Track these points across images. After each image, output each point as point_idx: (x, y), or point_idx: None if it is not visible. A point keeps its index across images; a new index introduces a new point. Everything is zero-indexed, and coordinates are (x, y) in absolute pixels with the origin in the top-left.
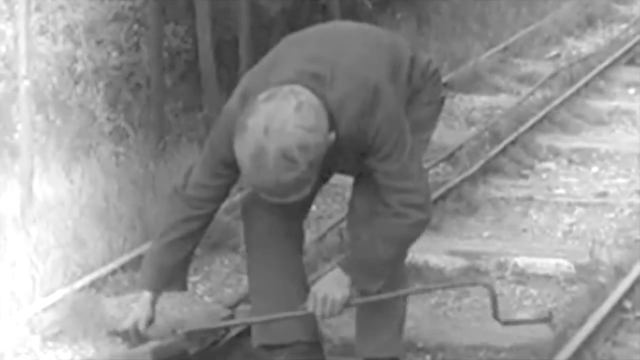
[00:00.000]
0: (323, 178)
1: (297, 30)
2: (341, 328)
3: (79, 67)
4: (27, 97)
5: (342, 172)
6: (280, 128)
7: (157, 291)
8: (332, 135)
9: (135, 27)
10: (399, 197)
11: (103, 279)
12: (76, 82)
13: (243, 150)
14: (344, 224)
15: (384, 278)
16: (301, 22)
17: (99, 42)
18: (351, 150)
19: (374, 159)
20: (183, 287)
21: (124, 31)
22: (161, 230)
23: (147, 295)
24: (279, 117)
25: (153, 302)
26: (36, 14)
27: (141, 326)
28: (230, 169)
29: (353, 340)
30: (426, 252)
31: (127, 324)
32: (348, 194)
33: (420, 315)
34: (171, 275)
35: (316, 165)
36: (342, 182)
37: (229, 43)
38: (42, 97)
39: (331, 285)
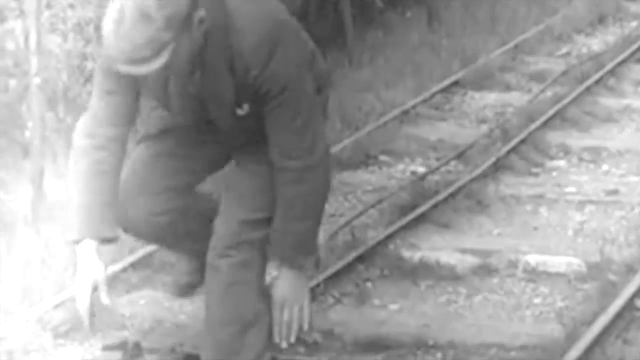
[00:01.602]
0: (214, 160)
1: (307, 27)
2: (353, 326)
3: (90, 65)
4: (38, 95)
5: (229, 141)
6: None
7: (95, 238)
8: (201, 12)
9: None
10: (288, 155)
11: (114, 277)
12: (87, 80)
13: (107, 20)
14: (356, 222)
15: (315, 242)
16: (311, 21)
17: None
18: (245, 93)
19: (269, 104)
20: (113, 232)
21: None
22: (76, 181)
23: (88, 248)
24: None
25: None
26: (46, 11)
27: (103, 290)
28: (119, 82)
29: (365, 338)
30: (437, 249)
31: (83, 295)
32: (360, 193)
33: (431, 313)
34: (102, 218)
35: (176, 25)
36: (353, 180)
37: None
38: (52, 95)
39: (294, 291)
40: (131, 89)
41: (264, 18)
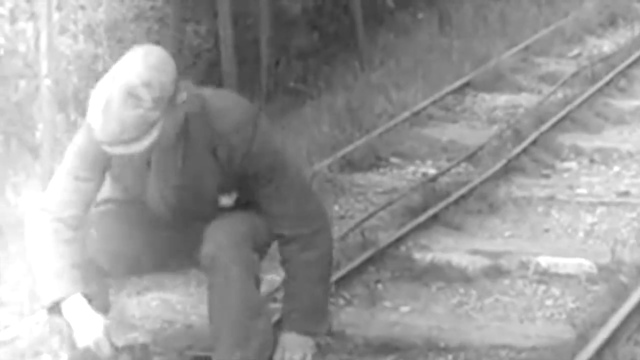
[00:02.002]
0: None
1: (319, 29)
2: (364, 327)
3: (100, 67)
4: (48, 97)
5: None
6: (125, 71)
7: (82, 293)
8: (184, 95)
9: (156, 26)
10: (297, 224)
11: (124, 278)
12: (97, 82)
13: (93, 106)
14: (367, 224)
15: (326, 308)
16: (323, 22)
17: (119, 42)
18: (230, 181)
19: (261, 185)
20: (93, 289)
21: (144, 31)
22: (39, 252)
23: (78, 304)
24: (125, 64)
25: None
26: (57, 13)
27: (105, 345)
28: (93, 169)
29: (376, 340)
30: (448, 251)
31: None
32: (371, 194)
33: (442, 315)
34: (81, 277)
35: (162, 106)
36: (364, 182)
37: (250, 43)
38: (63, 97)
39: (300, 347)
40: (101, 177)
41: (238, 104)
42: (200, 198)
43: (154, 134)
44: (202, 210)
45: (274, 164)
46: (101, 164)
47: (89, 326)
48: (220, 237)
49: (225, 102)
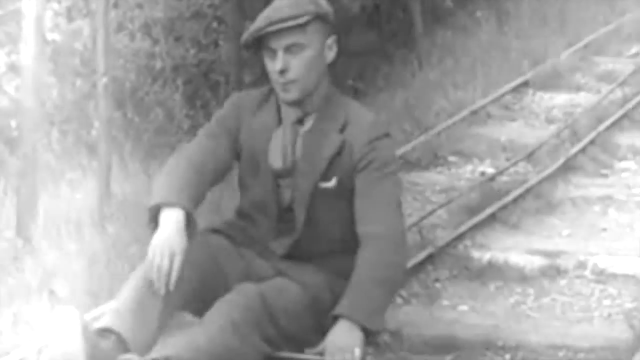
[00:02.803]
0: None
1: (377, 27)
2: (422, 326)
3: (157, 64)
4: (105, 94)
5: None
6: None
7: (186, 210)
8: (333, 53)
9: (214, 24)
10: (385, 227)
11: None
12: (154, 79)
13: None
14: (425, 222)
15: (384, 314)
16: (381, 20)
17: (177, 39)
18: (341, 163)
19: (362, 174)
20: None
21: (202, 28)
22: (166, 169)
23: (175, 216)
24: None
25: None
26: (114, 10)
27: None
28: (225, 133)
29: (434, 339)
30: (506, 250)
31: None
32: (429, 193)
33: (500, 314)
34: (197, 194)
35: (316, 8)
36: (422, 180)
37: None
38: (120, 94)
39: (347, 340)
40: (230, 143)
41: (374, 114)
42: (307, 174)
43: (302, 20)
44: (304, 184)
45: (386, 163)
46: (234, 128)
47: (171, 238)
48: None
49: (365, 108)
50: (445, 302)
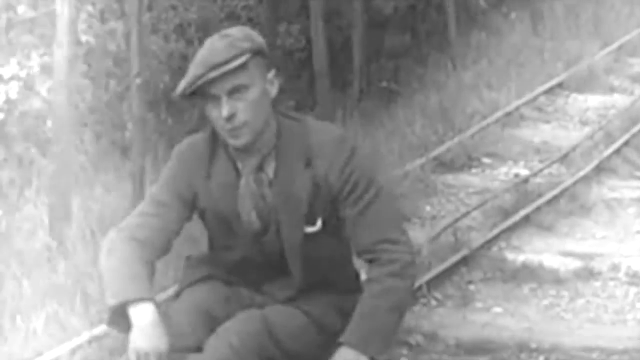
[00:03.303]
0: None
1: (411, 28)
2: (456, 328)
3: None
4: (138, 96)
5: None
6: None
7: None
8: (276, 88)
9: (248, 26)
10: (388, 249)
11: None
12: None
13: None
14: (459, 224)
15: (391, 338)
16: (415, 21)
17: None
18: (321, 201)
19: (349, 203)
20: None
21: None
22: (112, 265)
23: (147, 312)
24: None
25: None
26: (148, 12)
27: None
28: (176, 198)
29: (467, 341)
30: (540, 252)
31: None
32: (463, 195)
33: (534, 316)
34: (151, 278)
35: (251, 45)
36: (456, 182)
37: (342, 42)
38: (153, 96)
39: None
40: (184, 209)
41: (335, 127)
42: (290, 219)
43: (242, 59)
44: (290, 235)
45: (369, 182)
46: (186, 194)
47: (152, 335)
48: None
49: (322, 123)
50: (479, 304)
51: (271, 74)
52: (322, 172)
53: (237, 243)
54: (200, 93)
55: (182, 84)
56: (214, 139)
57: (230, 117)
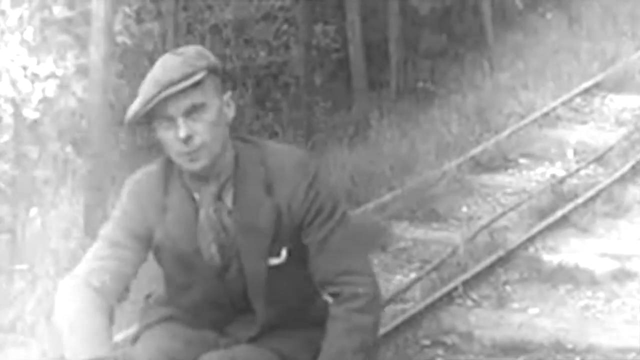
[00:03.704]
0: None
1: (448, 29)
2: (492, 328)
3: (227, 66)
4: None
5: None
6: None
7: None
8: (232, 111)
9: (285, 26)
10: (351, 281)
11: None
12: (224, 81)
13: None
14: (495, 225)
15: None
16: (452, 22)
17: (247, 41)
18: (285, 229)
19: (312, 230)
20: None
21: (272, 30)
22: (67, 318)
23: None
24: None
25: None
26: (184, 12)
27: None
28: (132, 238)
29: (503, 341)
30: (576, 253)
31: None
32: (499, 195)
33: (570, 317)
34: (110, 328)
35: (206, 63)
36: (493, 183)
37: (378, 42)
38: None
39: None
40: (140, 248)
41: (296, 148)
42: (252, 252)
43: (198, 77)
44: (253, 268)
45: (334, 207)
46: (142, 231)
47: None
48: None
49: (282, 146)
50: (515, 305)
51: (227, 96)
52: (284, 198)
53: (197, 281)
54: (153, 116)
55: (134, 107)
56: (168, 168)
57: (188, 139)
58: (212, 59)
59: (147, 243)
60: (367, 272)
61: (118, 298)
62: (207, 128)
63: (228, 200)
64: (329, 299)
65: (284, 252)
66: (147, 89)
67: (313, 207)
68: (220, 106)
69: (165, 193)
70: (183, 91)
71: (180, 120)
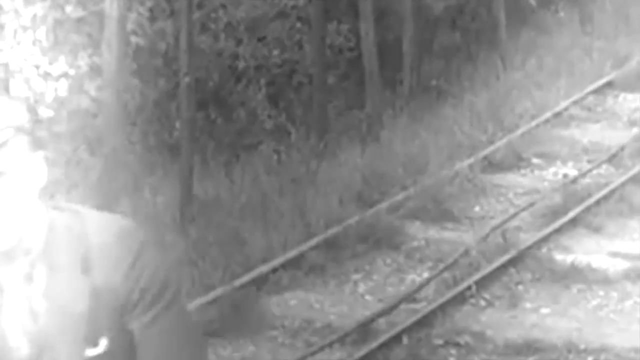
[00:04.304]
0: None
1: (461, 27)
2: (504, 328)
3: (241, 64)
4: (187, 95)
5: None
6: None
7: None
8: (45, 172)
9: (298, 25)
10: None
11: (263, 277)
12: (237, 80)
13: None
14: (507, 225)
15: None
16: (465, 20)
17: (260, 40)
18: (105, 314)
19: (136, 314)
20: None
21: (286, 29)
22: None
23: None
24: None
25: None
26: (197, 11)
27: None
28: None
29: (516, 341)
30: (589, 253)
31: None
32: (511, 195)
33: (583, 317)
34: None
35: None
36: (505, 182)
37: (392, 41)
38: (202, 95)
39: None
40: None
41: (121, 218)
42: (65, 334)
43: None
44: None
45: (163, 285)
46: None
47: None
48: None
49: (104, 215)
50: (528, 305)
51: (38, 156)
52: (103, 277)
53: None
54: None
55: None
56: None
57: None
58: (22, 115)
59: None
60: None
61: None
62: (5, 202)
63: (38, 281)
64: None
65: (103, 342)
66: None
67: (137, 286)
68: (26, 172)
69: None
70: None
71: None
